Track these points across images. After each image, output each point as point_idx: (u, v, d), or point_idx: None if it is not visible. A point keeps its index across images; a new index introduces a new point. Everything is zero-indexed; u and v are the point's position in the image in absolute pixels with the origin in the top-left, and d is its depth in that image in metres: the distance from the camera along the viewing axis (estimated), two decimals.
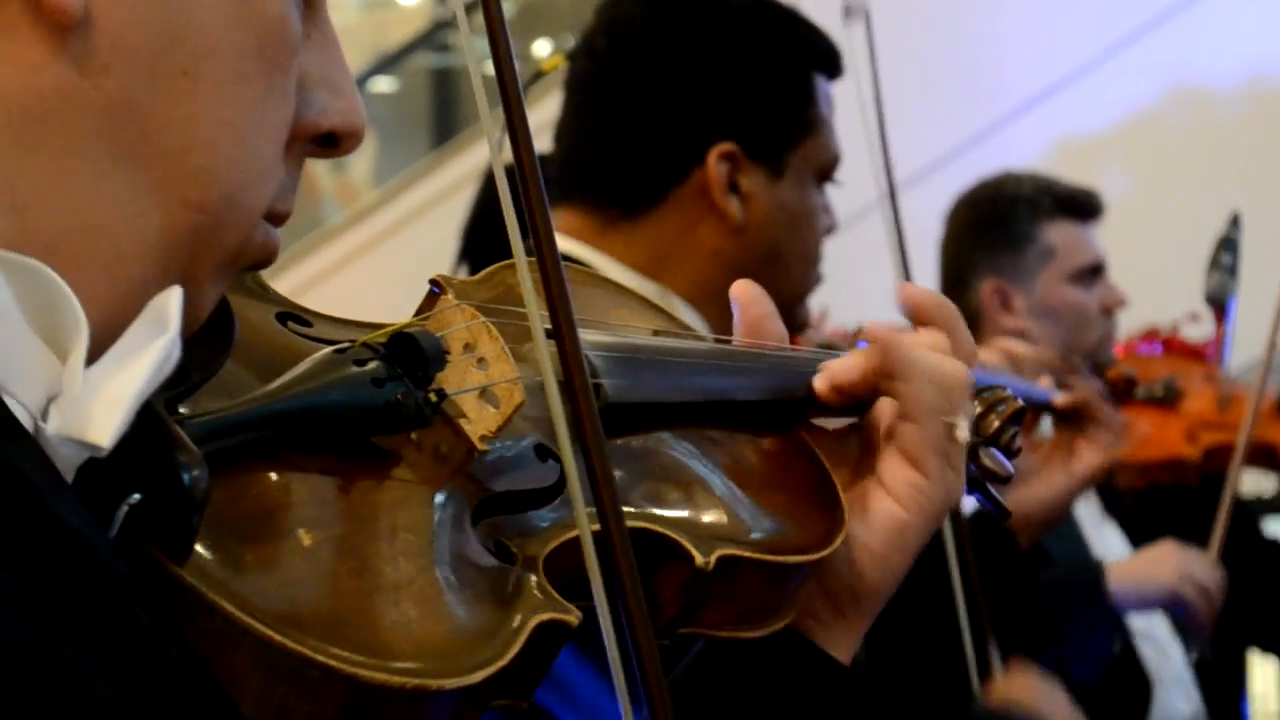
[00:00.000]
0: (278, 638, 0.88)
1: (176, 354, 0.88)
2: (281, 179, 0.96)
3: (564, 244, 2.13)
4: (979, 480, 1.32)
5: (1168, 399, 3.65)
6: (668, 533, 1.09)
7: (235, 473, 0.94)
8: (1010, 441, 1.32)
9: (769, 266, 2.21)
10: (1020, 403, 1.33)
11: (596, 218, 2.23)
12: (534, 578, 1.01)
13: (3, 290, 0.85)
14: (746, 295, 1.30)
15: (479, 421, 1.05)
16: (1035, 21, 7.09)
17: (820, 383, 1.25)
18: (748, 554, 1.11)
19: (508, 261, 1.23)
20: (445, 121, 9.04)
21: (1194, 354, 3.85)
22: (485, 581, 0.99)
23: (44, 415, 0.86)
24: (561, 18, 8.40)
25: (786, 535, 1.16)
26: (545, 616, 0.98)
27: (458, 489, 1.03)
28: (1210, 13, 6.95)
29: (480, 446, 1.05)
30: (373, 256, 7.50)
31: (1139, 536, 3.47)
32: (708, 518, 1.13)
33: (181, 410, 0.94)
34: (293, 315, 1.11)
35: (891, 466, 1.23)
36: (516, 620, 0.97)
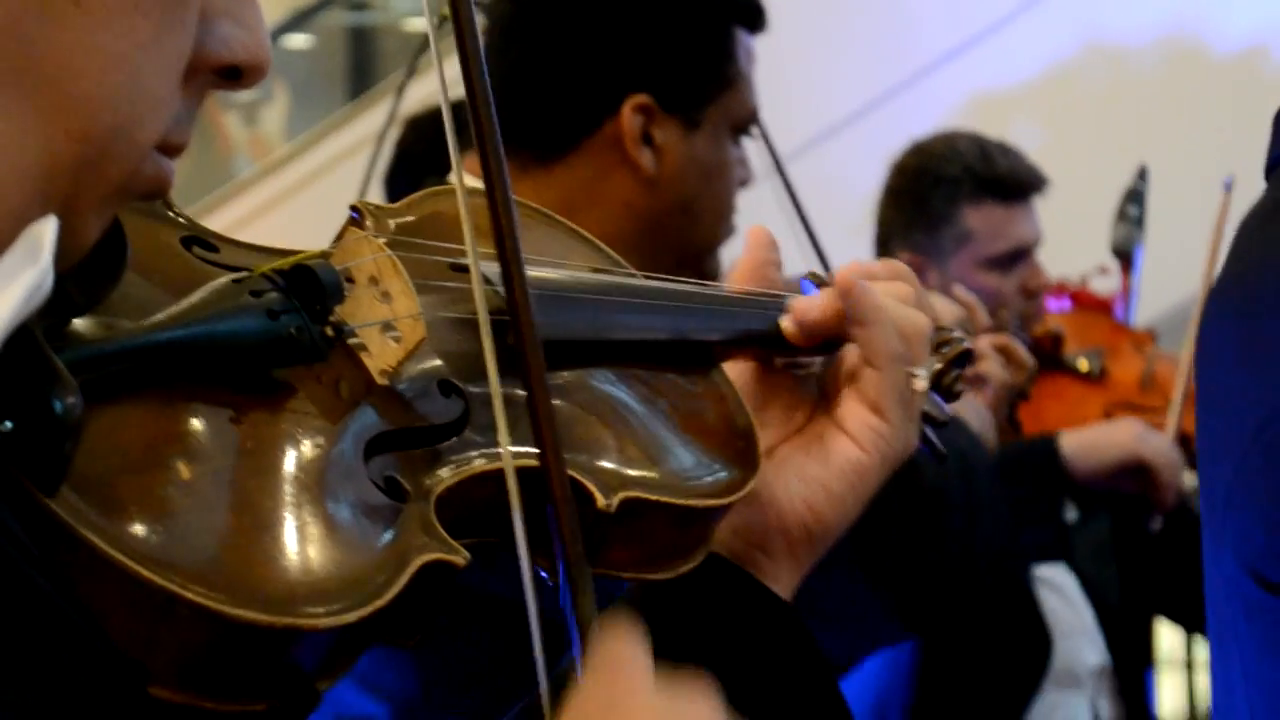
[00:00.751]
0: (144, 572, 0.86)
1: (48, 285, 0.85)
2: (177, 111, 0.91)
3: (475, 185, 2.11)
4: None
5: (1091, 375, 3.64)
6: (571, 473, 1.06)
7: (122, 403, 0.91)
8: (952, 384, 1.33)
9: (680, 218, 2.21)
10: (966, 345, 1.35)
11: (509, 162, 2.21)
12: (423, 516, 0.98)
13: None
14: (758, 238, 1.32)
15: (380, 356, 1.02)
16: None
17: (787, 322, 1.26)
18: (653, 496, 1.10)
19: (436, 188, 1.21)
20: (360, 80, 8.95)
21: (1101, 306, 3.88)
22: (372, 519, 0.96)
23: None
24: None
25: (698, 479, 1.15)
26: (430, 557, 0.95)
27: (353, 424, 1.00)
28: None
29: (380, 380, 1.02)
30: (284, 209, 7.42)
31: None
32: (616, 459, 1.12)
33: (68, 337, 0.91)
34: (198, 240, 1.07)
35: (852, 410, 1.24)
36: (399, 560, 0.94)
